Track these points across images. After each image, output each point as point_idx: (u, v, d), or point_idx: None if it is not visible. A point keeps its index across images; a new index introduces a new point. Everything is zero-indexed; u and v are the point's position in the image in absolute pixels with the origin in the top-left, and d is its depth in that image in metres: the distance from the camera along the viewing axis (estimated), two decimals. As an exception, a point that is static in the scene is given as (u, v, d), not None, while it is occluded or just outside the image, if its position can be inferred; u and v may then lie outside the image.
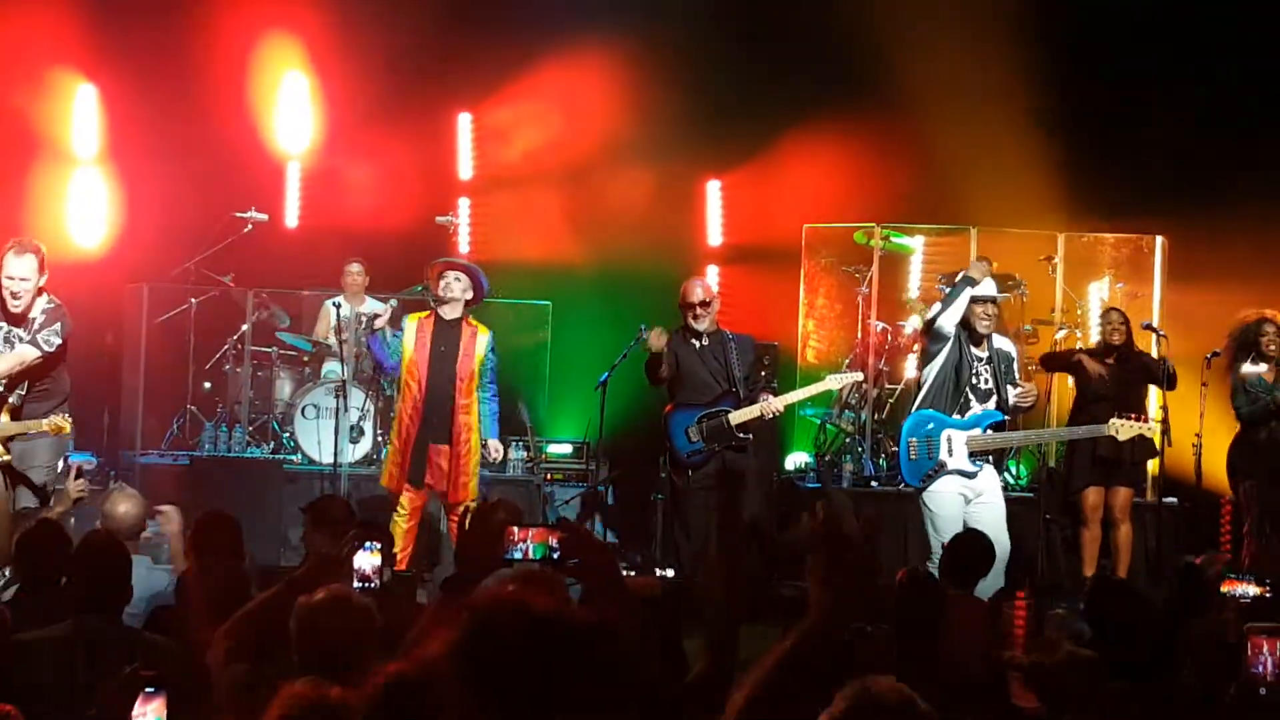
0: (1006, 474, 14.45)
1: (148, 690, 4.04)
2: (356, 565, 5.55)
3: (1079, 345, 14.30)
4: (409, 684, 1.77)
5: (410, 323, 11.71)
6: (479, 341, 11.64)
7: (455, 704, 1.79)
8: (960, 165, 15.85)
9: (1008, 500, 11.64)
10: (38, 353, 10.45)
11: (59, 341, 10.56)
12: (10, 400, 10.46)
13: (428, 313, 11.79)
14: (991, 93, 15.83)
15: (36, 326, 10.44)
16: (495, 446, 11.93)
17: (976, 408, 11.09)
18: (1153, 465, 13.79)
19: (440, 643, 1.87)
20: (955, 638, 5.91)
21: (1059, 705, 3.34)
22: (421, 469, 11.47)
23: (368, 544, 5.62)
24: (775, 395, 12.46)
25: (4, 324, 10.44)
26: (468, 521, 4.90)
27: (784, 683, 3.46)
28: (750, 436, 12.08)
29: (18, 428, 10.52)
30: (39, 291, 10.46)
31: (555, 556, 4.62)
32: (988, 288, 11.26)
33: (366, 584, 5.52)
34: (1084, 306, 15.63)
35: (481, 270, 11.92)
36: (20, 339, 10.42)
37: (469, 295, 11.67)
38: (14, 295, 10.32)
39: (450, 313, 11.58)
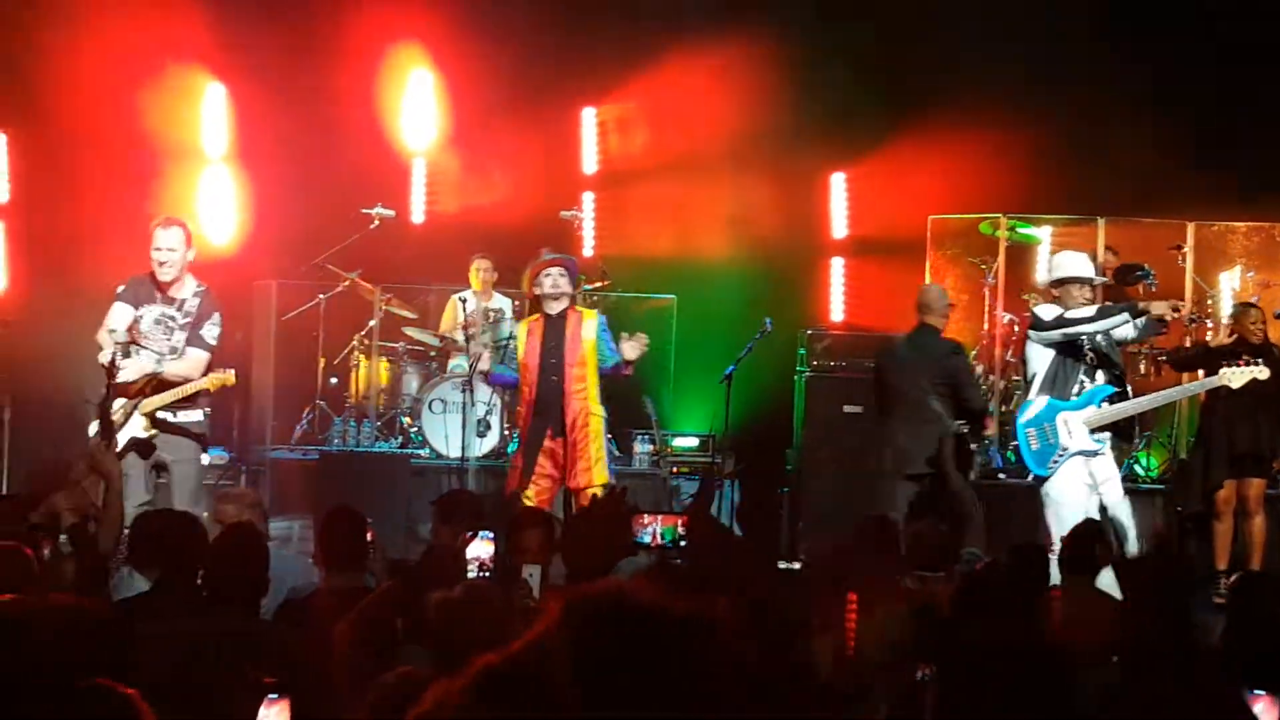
0: (1136, 466, 14.32)
1: (271, 696, 4.06)
2: (472, 554, 5.58)
3: (1208, 338, 14.06)
4: (506, 674, 1.76)
5: (521, 329, 11.65)
6: (586, 326, 11.48)
7: (552, 696, 1.79)
8: (1087, 154, 15.71)
9: (1139, 493, 11.56)
10: (207, 353, 10.79)
11: (219, 332, 10.88)
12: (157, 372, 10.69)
13: (536, 315, 11.72)
14: (1118, 79, 15.67)
15: (193, 314, 10.74)
16: (629, 346, 11.52)
17: (1088, 384, 11.00)
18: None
19: (535, 633, 1.87)
20: (1073, 630, 5.83)
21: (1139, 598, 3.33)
22: (533, 464, 11.45)
23: (482, 533, 5.66)
24: None
25: (157, 305, 10.73)
26: (594, 508, 4.90)
27: None
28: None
29: (170, 395, 10.73)
30: (187, 267, 10.78)
31: (683, 543, 4.65)
32: (1085, 269, 11.30)
33: (483, 573, 5.56)
34: (1215, 296, 15.42)
35: (573, 259, 11.92)
36: (173, 320, 10.70)
37: (571, 288, 11.69)
38: (162, 264, 10.63)
39: (557, 307, 11.50)
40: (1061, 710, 3.34)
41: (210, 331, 10.77)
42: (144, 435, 10.59)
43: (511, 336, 14.31)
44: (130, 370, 10.46)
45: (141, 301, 10.73)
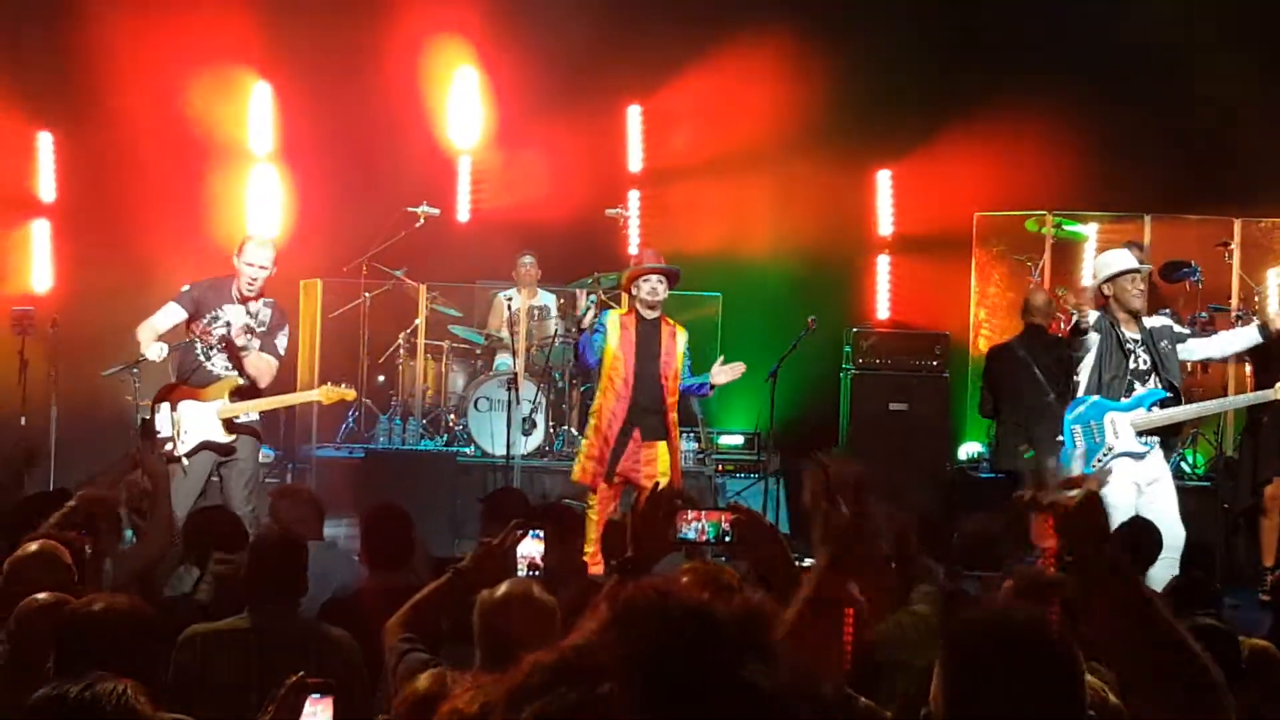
0: (1183, 463, 14.24)
1: (314, 695, 4.05)
2: (522, 552, 5.57)
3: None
4: (556, 674, 1.74)
5: (612, 318, 11.56)
6: (679, 341, 11.48)
7: (603, 697, 1.78)
8: (1133, 151, 15.63)
9: (1185, 490, 11.47)
10: (277, 362, 10.96)
11: (287, 343, 11.11)
12: (240, 381, 10.83)
13: (627, 309, 11.70)
14: (1163, 77, 15.59)
15: (264, 325, 10.90)
16: (722, 372, 11.59)
17: (1139, 389, 10.95)
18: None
19: (584, 633, 1.86)
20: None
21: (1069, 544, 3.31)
22: (616, 464, 11.33)
23: (533, 532, 5.65)
24: None
25: (227, 310, 10.85)
26: (642, 504, 4.88)
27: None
28: None
29: (276, 401, 11.16)
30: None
31: (727, 539, 4.60)
32: (1129, 260, 11.19)
33: (533, 572, 5.55)
34: (1262, 293, 15.34)
35: (677, 270, 11.79)
36: (229, 328, 10.76)
37: (665, 297, 11.59)
38: (251, 281, 10.81)
39: (651, 314, 11.43)
40: (1064, 703, 3.32)
41: (281, 342, 10.98)
42: (224, 440, 10.72)
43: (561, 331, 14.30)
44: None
45: (210, 307, 10.84)
